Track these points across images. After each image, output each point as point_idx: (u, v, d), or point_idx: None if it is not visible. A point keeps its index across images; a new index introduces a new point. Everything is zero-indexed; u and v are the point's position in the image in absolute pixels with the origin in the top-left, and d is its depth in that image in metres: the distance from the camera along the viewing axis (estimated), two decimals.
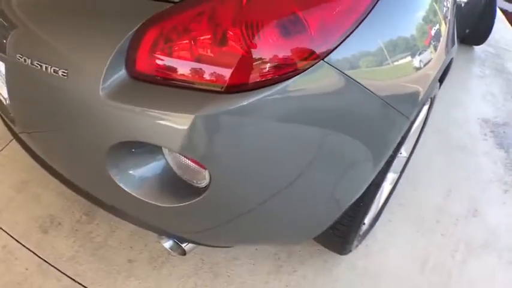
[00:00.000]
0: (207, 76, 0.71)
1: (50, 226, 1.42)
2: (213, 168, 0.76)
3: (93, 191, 1.01)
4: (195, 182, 0.84)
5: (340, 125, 0.82)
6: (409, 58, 0.90)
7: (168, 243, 1.06)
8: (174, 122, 0.71)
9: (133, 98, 0.73)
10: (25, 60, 0.85)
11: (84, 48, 0.78)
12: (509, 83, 2.49)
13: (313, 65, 0.72)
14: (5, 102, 1.11)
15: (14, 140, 1.54)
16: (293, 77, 0.71)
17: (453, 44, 1.14)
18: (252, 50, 0.69)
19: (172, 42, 0.72)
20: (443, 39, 1.03)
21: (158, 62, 0.73)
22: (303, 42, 0.70)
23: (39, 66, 0.82)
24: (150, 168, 0.84)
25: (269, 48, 0.69)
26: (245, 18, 0.69)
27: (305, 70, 0.71)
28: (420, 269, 1.34)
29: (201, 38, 0.70)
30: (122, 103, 0.74)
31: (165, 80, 0.73)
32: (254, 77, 0.70)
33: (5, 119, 1.23)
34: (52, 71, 0.80)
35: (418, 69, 0.94)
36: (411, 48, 0.90)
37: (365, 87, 0.80)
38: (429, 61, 0.97)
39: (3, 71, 1.02)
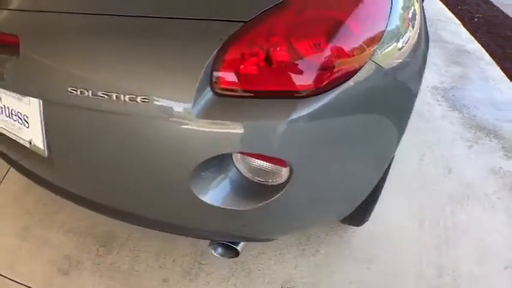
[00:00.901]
0: (287, 84, 0.79)
1: (69, 267, 1.40)
2: (296, 164, 0.85)
3: (148, 212, 1.04)
4: (269, 181, 0.91)
5: (383, 108, 0.95)
6: (409, 42, 1.03)
7: (218, 251, 1.13)
8: (267, 129, 0.80)
9: (223, 113, 0.80)
10: (82, 92, 0.84)
11: (169, 72, 0.81)
12: (446, 50, 2.82)
13: (364, 65, 0.84)
14: (28, 145, 1.10)
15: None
16: (352, 77, 0.83)
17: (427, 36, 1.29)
18: (320, 57, 0.79)
19: (251, 58, 0.79)
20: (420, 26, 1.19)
21: (240, 76, 0.79)
22: (357, 46, 0.83)
23: (105, 97, 0.83)
24: (225, 178, 0.91)
25: (333, 54, 0.80)
26: (303, 30, 0.79)
27: (360, 69, 0.84)
28: (419, 225, 1.53)
29: (276, 50, 0.78)
30: (213, 120, 0.80)
31: (249, 92, 0.80)
32: (326, 81, 0.80)
33: (21, 163, 1.20)
34: (127, 99, 0.81)
35: (421, 53, 1.09)
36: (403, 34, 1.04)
37: (394, 76, 0.95)
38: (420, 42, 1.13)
39: (28, 110, 1.01)
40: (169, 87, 0.81)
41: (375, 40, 0.87)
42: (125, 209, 1.06)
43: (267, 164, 0.88)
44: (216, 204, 0.89)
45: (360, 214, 1.29)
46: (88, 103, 0.86)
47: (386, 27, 0.91)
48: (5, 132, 1.16)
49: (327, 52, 0.79)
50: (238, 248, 1.10)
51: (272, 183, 0.91)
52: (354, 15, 0.83)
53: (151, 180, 0.92)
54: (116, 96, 0.82)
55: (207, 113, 0.80)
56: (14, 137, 1.13)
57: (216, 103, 0.80)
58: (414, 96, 1.09)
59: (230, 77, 0.79)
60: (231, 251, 1.12)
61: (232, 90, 0.80)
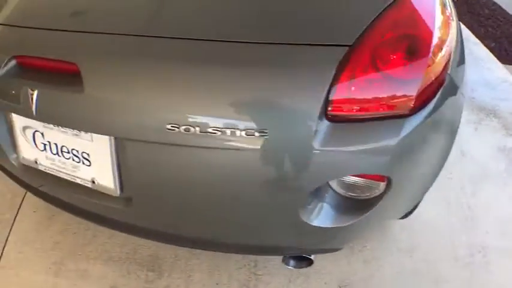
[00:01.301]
0: (394, 105, 0.82)
1: None
2: (396, 177, 0.88)
3: (234, 237, 1.04)
4: (362, 195, 0.95)
5: (452, 113, 1.01)
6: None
7: (291, 264, 1.15)
8: (377, 151, 0.83)
9: (339, 140, 0.81)
10: (187, 129, 0.80)
11: (288, 102, 0.79)
12: None
13: (445, 78, 0.89)
14: (89, 185, 1.03)
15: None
16: (439, 90, 0.88)
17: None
18: (419, 75, 0.83)
19: (361, 82, 0.80)
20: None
21: (352, 102, 0.80)
22: (443, 63, 0.88)
23: (217, 133, 0.79)
24: (325, 199, 0.93)
25: (430, 72, 0.84)
26: (395, 52, 0.82)
27: (444, 83, 0.89)
28: (446, 209, 1.66)
29: (381, 72, 0.81)
30: (330, 147, 0.81)
31: (360, 116, 0.82)
32: (425, 97, 0.85)
33: (76, 204, 1.12)
34: (243, 133, 0.79)
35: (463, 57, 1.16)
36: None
37: (458, 83, 1.00)
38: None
39: (90, 147, 0.96)
40: (290, 119, 0.80)
41: (450, 54, 0.93)
42: (210, 238, 1.05)
43: (363, 180, 0.92)
44: (322, 225, 0.92)
45: (412, 209, 1.38)
46: (193, 140, 0.81)
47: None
48: (51, 171, 1.08)
49: (425, 71, 0.83)
50: (312, 257, 1.14)
51: (367, 197, 0.95)
52: (433, 33, 0.88)
53: (255, 210, 0.92)
54: (231, 131, 0.79)
55: (325, 141, 0.80)
56: (66, 177, 1.06)
57: (332, 130, 0.81)
58: (463, 97, 1.18)
59: (343, 103, 0.81)
60: (304, 261, 1.15)
61: (344, 116, 0.82)
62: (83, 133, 0.96)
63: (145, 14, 0.89)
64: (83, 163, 1.01)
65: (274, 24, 0.83)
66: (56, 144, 1.02)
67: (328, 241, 1.04)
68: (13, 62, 0.95)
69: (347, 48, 0.80)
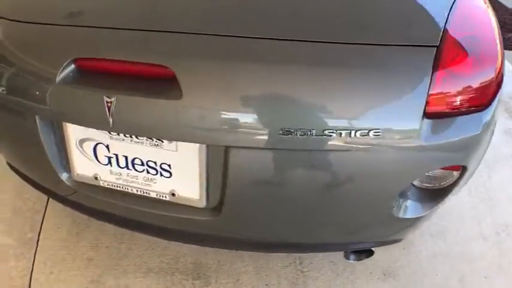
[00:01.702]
0: (475, 99, 0.87)
1: None
2: (469, 165, 0.93)
3: (319, 238, 1.05)
4: (437, 185, 0.98)
5: None
6: None
7: (352, 257, 1.17)
8: (465, 144, 0.87)
9: (436, 134, 0.84)
10: (304, 133, 0.79)
11: (396, 102, 0.81)
12: None
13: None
14: (166, 198, 0.99)
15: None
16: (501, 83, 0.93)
17: None
18: (492, 71, 0.88)
19: (450, 80, 0.83)
20: None
21: (445, 99, 0.84)
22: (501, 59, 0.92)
23: (332, 135, 0.79)
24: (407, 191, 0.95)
25: (497, 68, 0.89)
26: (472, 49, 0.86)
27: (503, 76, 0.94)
28: (468, 193, 1.74)
29: (466, 69, 0.85)
30: (431, 143, 0.83)
31: (450, 112, 0.85)
32: (495, 91, 0.90)
33: (148, 221, 1.07)
34: (358, 134, 0.79)
35: None
36: None
37: None
38: None
39: (172, 157, 0.90)
40: (398, 118, 0.82)
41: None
42: (299, 240, 1.06)
43: (441, 171, 0.95)
44: (406, 216, 0.95)
45: None
46: (308, 144, 0.80)
47: None
48: (115, 187, 1.02)
49: (496, 65, 0.88)
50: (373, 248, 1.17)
51: (441, 186, 0.98)
52: (495, 30, 0.92)
53: (356, 208, 0.93)
54: (346, 133, 0.80)
55: (426, 137, 0.83)
56: (136, 192, 1.00)
57: (431, 127, 0.84)
58: None
59: (438, 100, 0.84)
60: (364, 253, 1.18)
61: (439, 113, 0.85)
62: (165, 143, 0.91)
63: (249, 14, 0.86)
64: (161, 175, 0.95)
65: (370, 26, 0.84)
66: (125, 156, 0.96)
67: (402, 232, 1.07)
68: (73, 66, 0.88)
69: (435, 48, 0.83)
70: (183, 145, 0.90)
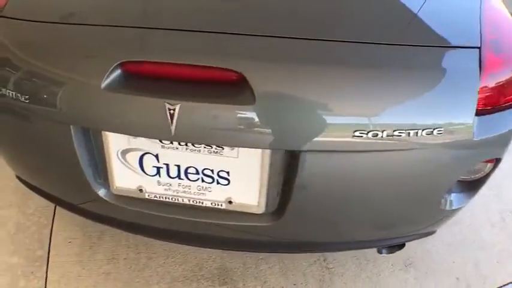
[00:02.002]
0: None
1: None
2: (503, 157, 0.96)
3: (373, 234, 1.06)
4: (473, 177, 1.01)
5: None
6: None
7: (384, 252, 1.19)
8: (505, 135, 0.91)
9: (485, 130, 0.88)
10: (375, 134, 0.79)
11: (453, 101, 0.83)
12: None
13: None
14: (222, 206, 0.96)
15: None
16: None
17: None
18: None
19: (495, 78, 0.87)
20: None
21: (493, 95, 0.87)
22: None
23: (401, 135, 0.80)
24: None
25: None
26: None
27: None
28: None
29: (504, 67, 0.89)
30: (481, 137, 0.86)
31: (496, 107, 0.89)
32: None
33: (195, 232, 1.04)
34: (424, 133, 0.81)
35: None
36: None
37: None
38: None
39: (232, 164, 0.87)
40: (456, 117, 0.84)
41: None
42: (355, 239, 1.07)
43: (480, 164, 0.99)
44: (449, 208, 0.99)
45: None
46: (379, 145, 0.81)
47: None
48: (163, 199, 0.97)
49: None
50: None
51: (475, 178, 1.02)
52: None
53: (414, 204, 0.97)
54: (413, 132, 0.81)
55: (478, 133, 0.86)
56: (186, 202, 0.97)
57: (482, 123, 0.87)
58: None
59: (487, 98, 0.86)
60: (396, 246, 1.20)
61: (487, 109, 0.88)
62: (226, 150, 0.87)
63: (323, 16, 0.85)
64: (218, 183, 0.92)
65: (418, 28, 0.85)
66: (177, 166, 0.92)
67: (440, 224, 1.09)
68: (122, 71, 0.82)
69: (478, 49, 0.86)
70: (244, 151, 0.87)
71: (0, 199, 1.63)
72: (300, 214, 0.95)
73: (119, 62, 0.81)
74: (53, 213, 1.56)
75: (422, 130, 0.82)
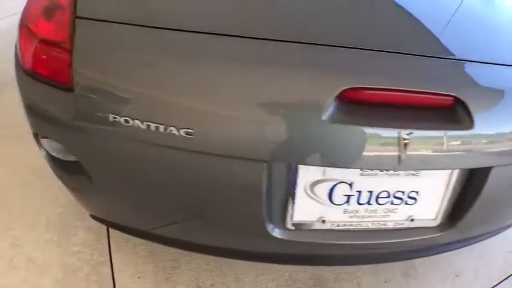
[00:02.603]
0: None
1: None
2: None
3: None
4: None
5: None
6: None
7: None
8: None
9: None
10: None
11: None
12: None
13: None
14: (403, 225, 0.94)
15: None
16: None
17: None
18: None
19: None
20: None
21: None
22: None
23: None
24: None
25: None
26: None
27: None
28: None
29: None
30: None
31: None
32: None
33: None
34: None
35: None
36: None
37: None
38: None
39: (420, 185, 0.87)
40: None
41: None
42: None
43: None
44: None
45: None
46: None
47: None
48: (343, 227, 0.94)
49: None
50: None
51: None
52: None
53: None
54: None
55: None
56: (370, 226, 0.95)
57: None
58: None
59: None
60: None
61: None
62: (423, 171, 0.86)
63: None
64: (406, 203, 0.91)
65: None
66: (370, 192, 0.88)
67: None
68: (342, 98, 0.74)
69: None
70: (436, 171, 0.87)
71: (33, 238, 1.34)
72: (473, 221, 0.97)
73: (340, 91, 0.73)
74: (107, 247, 1.34)
75: None
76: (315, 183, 0.85)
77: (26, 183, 1.51)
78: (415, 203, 0.91)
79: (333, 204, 0.89)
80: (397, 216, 0.93)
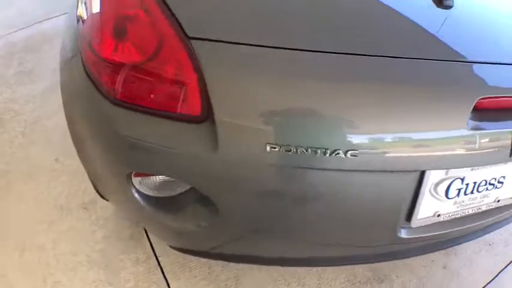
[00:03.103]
0: None
1: None
2: None
3: None
4: None
5: None
6: None
7: None
8: None
9: None
10: None
11: None
12: None
13: None
14: (492, 206, 1.05)
15: None
16: None
17: None
18: None
19: None
20: None
21: None
22: None
23: None
24: None
25: None
26: None
27: None
28: None
29: None
30: None
31: None
32: None
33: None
34: None
35: None
36: None
37: None
38: None
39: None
40: None
41: None
42: None
43: None
44: None
45: None
46: None
47: None
48: (450, 217, 1.03)
49: None
50: None
51: None
52: None
53: None
54: None
55: None
56: (471, 212, 1.05)
57: None
58: None
59: None
60: None
61: None
62: None
63: None
64: (495, 187, 1.02)
65: None
66: (475, 182, 0.99)
67: None
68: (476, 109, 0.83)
69: None
70: None
71: (78, 280, 1.21)
72: None
73: (475, 100, 0.82)
74: (162, 277, 1.25)
75: None
76: (438, 183, 0.94)
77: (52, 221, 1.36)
78: (502, 186, 1.04)
79: (447, 199, 0.99)
80: (488, 200, 1.05)
